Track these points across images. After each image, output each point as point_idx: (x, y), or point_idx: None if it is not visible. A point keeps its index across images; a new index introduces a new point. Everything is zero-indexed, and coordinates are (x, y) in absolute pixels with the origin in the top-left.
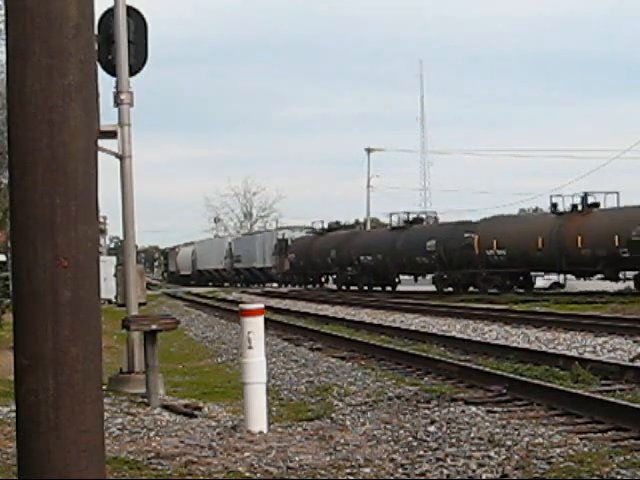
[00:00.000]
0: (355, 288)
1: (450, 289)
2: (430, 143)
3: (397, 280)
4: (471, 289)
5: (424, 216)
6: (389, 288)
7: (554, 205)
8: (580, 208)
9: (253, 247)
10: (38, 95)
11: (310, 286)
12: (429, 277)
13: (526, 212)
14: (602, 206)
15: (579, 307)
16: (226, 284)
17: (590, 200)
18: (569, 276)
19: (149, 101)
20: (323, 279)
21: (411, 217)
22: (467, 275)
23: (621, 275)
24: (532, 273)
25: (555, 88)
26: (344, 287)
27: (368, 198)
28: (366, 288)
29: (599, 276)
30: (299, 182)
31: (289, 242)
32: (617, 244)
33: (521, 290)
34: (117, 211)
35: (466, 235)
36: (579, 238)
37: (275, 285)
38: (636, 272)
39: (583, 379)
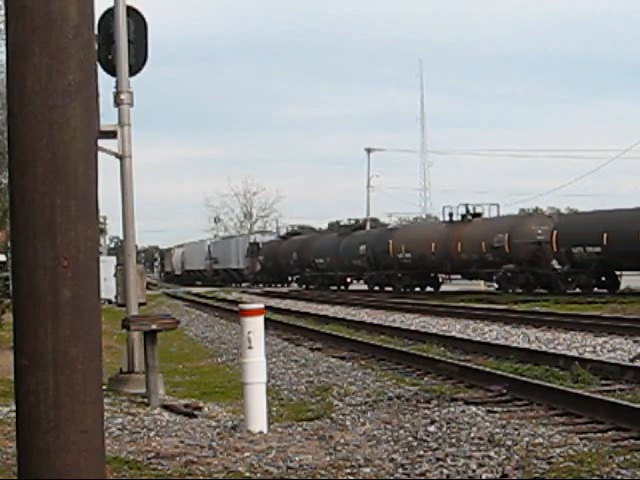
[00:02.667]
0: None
1: (377, 288)
2: (430, 143)
3: (349, 280)
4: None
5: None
6: (343, 287)
7: (450, 215)
8: (469, 218)
9: (229, 250)
10: (38, 95)
11: (279, 285)
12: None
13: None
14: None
15: (579, 307)
16: (208, 282)
17: (478, 210)
18: None
19: (149, 101)
20: (290, 279)
21: (355, 223)
22: (388, 275)
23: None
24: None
25: (555, 88)
26: (304, 286)
27: (368, 198)
28: (323, 287)
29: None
30: (299, 182)
31: (260, 245)
32: (484, 249)
33: (431, 289)
34: (117, 211)
35: (388, 240)
36: (459, 244)
37: (247, 285)
38: (500, 274)
39: (583, 379)
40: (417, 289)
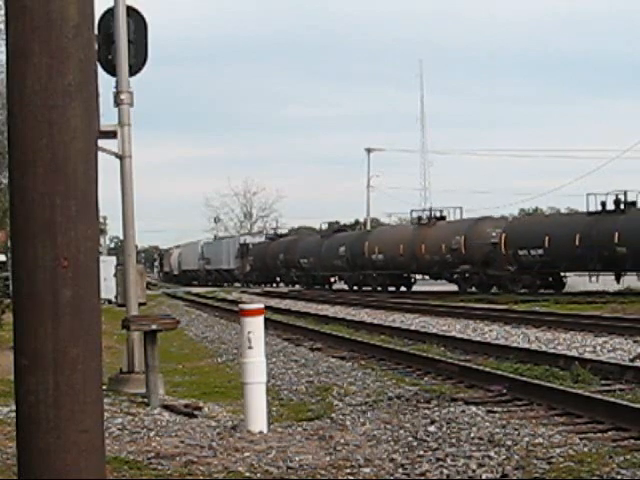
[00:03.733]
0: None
1: (355, 287)
2: (430, 143)
3: (333, 280)
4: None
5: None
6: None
7: (418, 218)
8: (433, 221)
9: (220, 251)
10: (38, 95)
11: (268, 285)
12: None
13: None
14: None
15: (579, 307)
16: (202, 282)
17: (444, 214)
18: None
19: (149, 101)
20: (278, 279)
21: (337, 226)
22: (365, 275)
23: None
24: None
25: (555, 88)
26: (290, 285)
27: (368, 198)
28: (307, 287)
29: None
30: (299, 182)
31: (250, 247)
32: (444, 251)
33: (404, 289)
34: (117, 211)
35: (364, 242)
36: (423, 246)
37: (238, 284)
38: (457, 274)
39: (583, 379)
40: (392, 288)
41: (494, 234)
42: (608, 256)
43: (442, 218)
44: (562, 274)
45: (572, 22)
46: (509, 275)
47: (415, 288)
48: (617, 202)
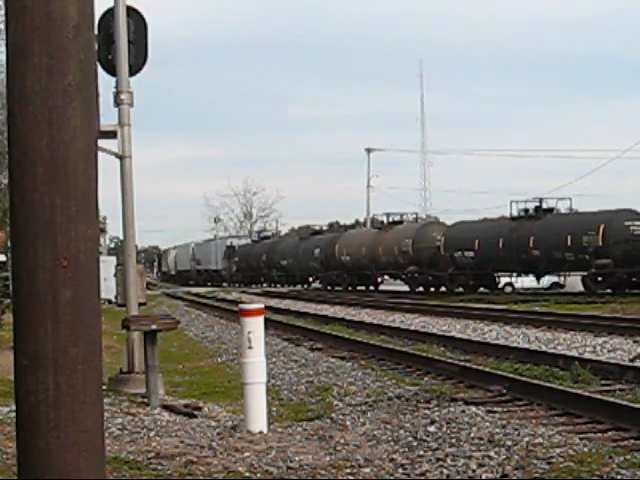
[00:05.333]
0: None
1: (329, 287)
2: (430, 143)
3: (311, 280)
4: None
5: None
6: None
7: (381, 222)
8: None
9: (209, 252)
10: (38, 95)
11: (253, 285)
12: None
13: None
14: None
15: (579, 307)
16: (194, 282)
17: (398, 218)
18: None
19: (149, 101)
20: (262, 279)
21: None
22: (337, 276)
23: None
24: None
25: (555, 88)
26: (272, 285)
27: (368, 198)
28: (287, 285)
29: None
30: (299, 182)
31: (236, 248)
32: (396, 253)
33: (372, 288)
34: (117, 211)
35: (335, 245)
36: (380, 248)
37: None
38: (407, 275)
39: (583, 379)
40: (362, 287)
41: (438, 237)
42: (525, 259)
43: (400, 222)
44: (495, 275)
45: (572, 22)
46: (447, 276)
47: (383, 287)
48: (537, 208)
